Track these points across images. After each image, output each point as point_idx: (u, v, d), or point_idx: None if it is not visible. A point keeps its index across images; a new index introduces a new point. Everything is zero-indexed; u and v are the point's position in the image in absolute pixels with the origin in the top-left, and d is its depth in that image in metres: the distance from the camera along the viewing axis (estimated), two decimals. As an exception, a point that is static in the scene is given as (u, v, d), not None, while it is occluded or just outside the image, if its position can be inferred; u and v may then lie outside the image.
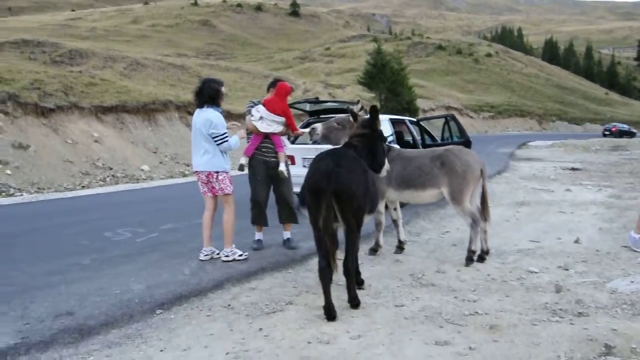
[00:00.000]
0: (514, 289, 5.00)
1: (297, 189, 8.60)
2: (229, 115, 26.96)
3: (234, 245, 6.22)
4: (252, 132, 6.59)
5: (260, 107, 6.52)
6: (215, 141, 5.96)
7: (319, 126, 5.86)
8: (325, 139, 5.85)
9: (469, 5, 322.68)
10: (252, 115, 6.49)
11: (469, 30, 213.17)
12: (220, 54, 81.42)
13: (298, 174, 7.81)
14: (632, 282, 4.92)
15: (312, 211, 4.27)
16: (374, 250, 6.47)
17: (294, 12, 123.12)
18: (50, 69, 23.38)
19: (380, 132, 5.32)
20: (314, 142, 6.17)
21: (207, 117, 5.92)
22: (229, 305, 4.66)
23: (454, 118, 10.97)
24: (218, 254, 6.27)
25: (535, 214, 9.18)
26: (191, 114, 24.33)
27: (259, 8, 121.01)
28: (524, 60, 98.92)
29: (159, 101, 23.07)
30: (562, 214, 9.12)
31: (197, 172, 6.15)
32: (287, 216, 6.78)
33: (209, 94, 5.98)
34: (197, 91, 6.05)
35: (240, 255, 6.17)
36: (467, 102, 65.28)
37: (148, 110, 22.17)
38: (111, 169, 16.87)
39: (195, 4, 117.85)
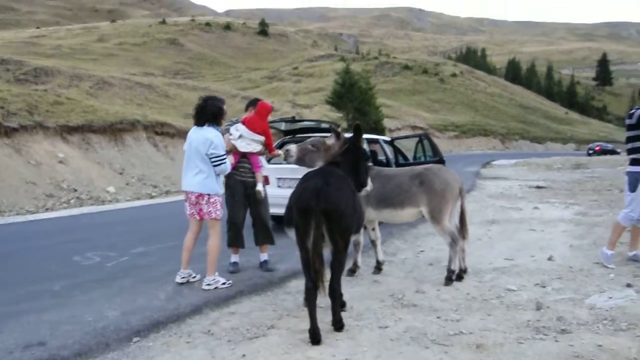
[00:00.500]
0: (495, 308, 5.01)
1: (271, 210, 8.55)
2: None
3: (217, 274, 5.98)
4: (230, 152, 6.50)
5: (240, 126, 6.48)
6: (214, 162, 5.74)
7: (293, 148, 5.84)
8: (299, 161, 5.84)
9: (434, 26, 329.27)
10: (230, 134, 6.43)
11: (435, 51, 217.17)
12: (187, 73, 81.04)
13: (272, 194, 7.78)
14: (610, 297, 4.99)
15: (300, 231, 4.20)
16: (352, 271, 6.43)
17: (263, 31, 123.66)
18: (14, 87, 22.84)
19: (364, 151, 5.32)
20: (288, 164, 6.15)
21: (207, 136, 5.71)
22: (209, 331, 4.54)
23: (427, 137, 11.07)
24: (194, 277, 6.11)
25: (507, 232, 9.29)
26: (159, 134, 24.25)
27: (227, 27, 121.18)
28: (488, 80, 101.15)
29: (126, 121, 22.71)
30: (532, 231, 9.24)
31: (187, 192, 5.91)
32: (264, 238, 6.69)
33: (212, 112, 5.78)
34: (198, 109, 5.83)
35: (224, 283, 5.88)
36: (432, 121, 66.21)
37: (115, 130, 21.77)
38: (76, 190, 16.45)
39: (163, 22, 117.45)
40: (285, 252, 7.49)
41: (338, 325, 4.40)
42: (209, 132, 5.75)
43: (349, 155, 5.04)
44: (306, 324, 4.56)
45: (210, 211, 5.83)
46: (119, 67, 66.90)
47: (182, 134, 25.07)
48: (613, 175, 21.15)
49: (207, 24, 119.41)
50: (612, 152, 52.29)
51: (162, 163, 22.07)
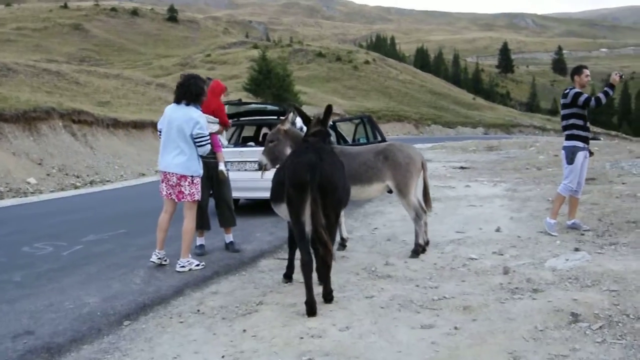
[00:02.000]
0: (465, 275, 5.31)
1: None
2: (117, 123, 25.84)
3: (190, 255, 5.88)
4: None
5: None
6: (198, 143, 5.63)
7: (261, 159, 5.81)
8: (273, 162, 5.81)
9: (343, 14, 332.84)
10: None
11: (344, 39, 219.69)
12: (94, 60, 77.44)
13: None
14: (567, 260, 5.42)
15: (295, 206, 4.26)
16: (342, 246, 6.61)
17: (172, 17, 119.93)
18: None
19: (327, 130, 5.44)
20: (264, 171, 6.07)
21: (192, 115, 5.60)
22: (198, 310, 4.53)
23: (370, 119, 11.33)
24: (166, 260, 5.98)
25: (449, 208, 9.74)
26: (76, 122, 23.12)
27: (134, 13, 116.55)
28: (399, 68, 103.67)
29: (40, 109, 21.41)
30: (473, 207, 9.75)
31: (166, 172, 5.70)
32: (227, 219, 6.68)
33: (195, 92, 5.67)
34: (181, 87, 5.70)
35: (197, 265, 5.82)
36: (349, 107, 67.15)
37: (29, 118, 20.48)
38: (-7, 182, 15.47)
39: (65, 6, 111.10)
40: (245, 232, 7.51)
41: (329, 296, 4.52)
42: (194, 112, 5.67)
43: (320, 134, 5.14)
44: (293, 299, 4.70)
45: (193, 192, 5.71)
46: (19, 54, 62.83)
47: (100, 122, 24.09)
48: (527, 156, 22.51)
49: (113, 8, 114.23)
50: (594, 138, 54.21)
51: (83, 152, 21.12)
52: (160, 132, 5.87)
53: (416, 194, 6.35)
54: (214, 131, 6.50)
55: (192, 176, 5.70)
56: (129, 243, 7.26)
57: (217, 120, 6.66)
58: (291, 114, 6.32)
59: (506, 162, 20.28)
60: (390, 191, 6.40)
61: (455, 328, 3.86)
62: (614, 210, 8.05)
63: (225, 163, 8.98)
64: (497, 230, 7.52)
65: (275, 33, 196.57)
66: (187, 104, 5.67)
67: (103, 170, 20.28)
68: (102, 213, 10.41)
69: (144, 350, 3.75)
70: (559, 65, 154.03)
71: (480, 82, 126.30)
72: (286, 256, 6.34)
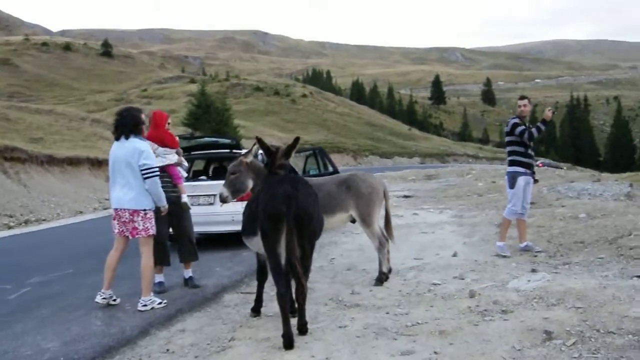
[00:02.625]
0: (432, 300, 5.36)
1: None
2: (51, 160, 24.93)
3: (152, 293, 5.66)
4: None
5: (150, 143, 6.28)
6: (145, 174, 5.48)
7: (223, 191, 5.63)
8: (235, 194, 5.72)
9: (279, 49, 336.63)
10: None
11: (281, 73, 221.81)
12: (24, 95, 74.82)
13: None
14: (529, 280, 5.57)
15: (270, 238, 4.20)
16: None
17: (106, 52, 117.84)
18: None
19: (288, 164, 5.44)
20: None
21: (136, 146, 5.47)
22: (168, 349, 4.35)
23: (322, 151, 11.42)
24: (115, 299, 5.74)
25: (402, 235, 9.83)
26: (8, 159, 22.16)
27: (67, 47, 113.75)
28: (336, 101, 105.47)
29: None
30: (425, 234, 9.91)
31: (117, 209, 5.54)
32: (189, 254, 6.51)
33: (132, 123, 5.54)
34: (117, 122, 5.59)
35: (160, 303, 5.60)
36: (288, 141, 67.17)
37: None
38: None
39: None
40: (203, 267, 7.34)
41: (304, 328, 4.45)
42: (137, 143, 5.54)
43: (284, 167, 5.14)
44: (265, 333, 4.61)
45: (147, 227, 5.55)
46: (-58, 91, 60.00)
47: (34, 159, 23.23)
48: (466, 183, 23.15)
49: (44, 43, 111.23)
50: (557, 167, 54.42)
51: (16, 191, 20.20)
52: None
53: (378, 222, 6.41)
54: (172, 162, 6.38)
55: (144, 210, 5.55)
56: (79, 283, 6.95)
57: (172, 150, 6.52)
58: (255, 147, 6.24)
59: (447, 190, 20.80)
60: (353, 221, 6.42)
61: (435, 353, 3.88)
62: (561, 231, 8.38)
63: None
64: (454, 255, 7.65)
65: (212, 68, 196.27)
66: (127, 137, 5.54)
67: (38, 208, 19.41)
68: (44, 253, 9.92)
69: (117, 395, 3.56)
70: (488, 96, 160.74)
71: (414, 113, 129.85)
72: (249, 290, 6.29)
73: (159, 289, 6.23)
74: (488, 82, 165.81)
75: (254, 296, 5.86)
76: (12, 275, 7.61)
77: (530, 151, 7.63)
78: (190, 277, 6.55)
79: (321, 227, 4.81)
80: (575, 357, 3.58)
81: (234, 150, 9.54)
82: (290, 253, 4.09)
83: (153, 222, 5.63)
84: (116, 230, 5.62)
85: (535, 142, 7.59)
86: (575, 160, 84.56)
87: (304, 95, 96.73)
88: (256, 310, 5.17)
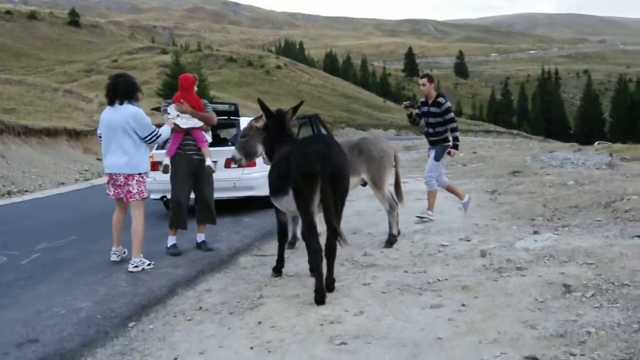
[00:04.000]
0: (445, 259, 5.57)
1: (155, 195, 8.46)
2: (28, 131, 24.45)
3: (142, 255, 5.80)
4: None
5: (176, 105, 6.34)
6: (148, 139, 5.69)
7: (235, 154, 5.84)
8: (247, 157, 5.87)
9: (250, 20, 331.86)
10: (169, 114, 6.25)
11: (252, 44, 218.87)
12: (-10, 66, 72.60)
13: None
14: (536, 241, 5.81)
15: (305, 196, 4.30)
16: (291, 244, 6.62)
17: (74, 21, 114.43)
18: None
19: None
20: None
21: (131, 112, 5.61)
22: (201, 307, 4.47)
23: (317, 118, 11.47)
24: (125, 252, 6.14)
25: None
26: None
27: (32, 16, 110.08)
28: (310, 72, 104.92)
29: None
30: (419, 200, 10.13)
31: (112, 174, 5.72)
32: (206, 217, 6.60)
33: (126, 89, 5.68)
34: (111, 87, 5.69)
35: (149, 264, 5.76)
36: (259, 112, 67.12)
37: None
38: None
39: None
40: (210, 233, 7.40)
41: (332, 285, 4.60)
42: (131, 109, 5.67)
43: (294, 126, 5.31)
44: (292, 291, 4.76)
45: (141, 190, 5.75)
46: None
47: (10, 130, 22.71)
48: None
49: (8, 12, 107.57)
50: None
51: (-6, 162, 19.83)
52: (100, 137, 5.89)
53: (388, 186, 6.57)
54: (197, 126, 6.45)
55: (139, 174, 5.73)
56: (88, 248, 6.98)
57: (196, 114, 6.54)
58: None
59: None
60: (364, 184, 6.57)
61: (463, 305, 4.07)
62: (554, 197, 8.66)
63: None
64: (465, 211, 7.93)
65: (181, 38, 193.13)
66: (121, 103, 5.67)
67: (19, 180, 19.07)
68: (40, 222, 9.86)
69: (163, 349, 3.67)
70: (460, 68, 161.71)
71: (388, 85, 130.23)
72: (262, 253, 6.43)
73: (174, 251, 6.31)
74: (461, 55, 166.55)
75: (268, 258, 6.05)
76: (16, 242, 7.59)
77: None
78: (204, 241, 6.64)
79: (349, 186, 4.95)
80: (596, 307, 3.81)
81: (232, 117, 9.55)
82: (329, 210, 4.21)
83: (145, 186, 5.81)
84: (111, 193, 5.82)
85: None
86: (547, 133, 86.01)
87: (278, 67, 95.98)
88: (278, 270, 5.30)
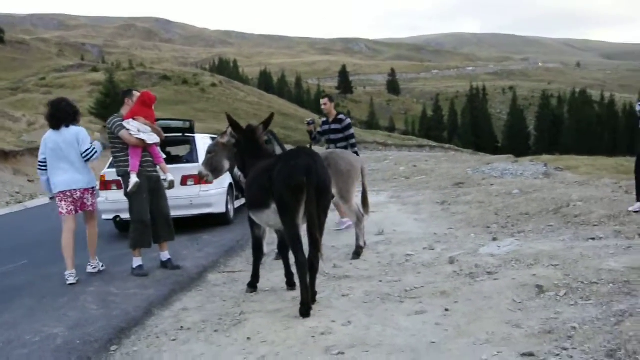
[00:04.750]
0: (416, 268, 5.69)
1: (108, 216, 8.30)
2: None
3: (97, 257, 6.47)
4: (125, 147, 6.23)
5: (133, 121, 6.21)
6: (87, 156, 6.10)
7: (202, 170, 5.93)
8: (215, 173, 5.92)
9: (183, 38, 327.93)
10: (129, 130, 6.11)
11: (185, 62, 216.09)
12: None
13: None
14: (499, 247, 6.04)
15: (292, 209, 4.31)
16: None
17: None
18: None
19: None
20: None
21: (76, 133, 6.08)
22: (182, 327, 4.36)
23: (273, 134, 11.47)
24: (102, 266, 6.54)
25: (353, 215, 10.18)
26: None
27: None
28: (246, 90, 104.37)
29: None
30: (374, 212, 10.20)
31: (68, 191, 6.06)
32: (167, 234, 6.47)
33: (73, 112, 6.18)
34: (56, 112, 6.06)
35: (102, 266, 6.50)
36: (201, 130, 66.14)
37: None
38: None
39: None
40: (170, 251, 7.24)
41: (314, 297, 4.61)
42: (77, 129, 6.15)
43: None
44: (273, 305, 4.76)
45: (94, 202, 6.40)
46: None
47: None
48: (388, 168, 23.94)
49: None
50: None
51: None
52: (41, 161, 6.21)
53: (355, 199, 6.67)
54: (153, 142, 6.34)
55: (93, 187, 6.35)
56: (44, 273, 6.65)
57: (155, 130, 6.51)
58: (229, 129, 6.33)
59: (373, 174, 21.37)
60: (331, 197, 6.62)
61: (446, 310, 4.18)
62: (505, 205, 9.01)
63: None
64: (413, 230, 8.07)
65: (112, 56, 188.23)
66: (67, 126, 6.07)
67: None
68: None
69: (154, 371, 3.58)
70: (392, 86, 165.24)
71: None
72: (229, 270, 6.37)
73: (140, 272, 6.14)
74: (393, 73, 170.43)
75: (237, 275, 6.01)
76: (-40, 269, 7.18)
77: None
78: (169, 259, 6.48)
79: (331, 198, 5.00)
80: (572, 305, 4.01)
81: (187, 134, 9.43)
82: (312, 223, 4.25)
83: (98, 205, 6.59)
84: (64, 211, 6.08)
85: None
86: (476, 146, 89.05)
87: (214, 85, 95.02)
88: (253, 286, 5.26)
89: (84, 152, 6.06)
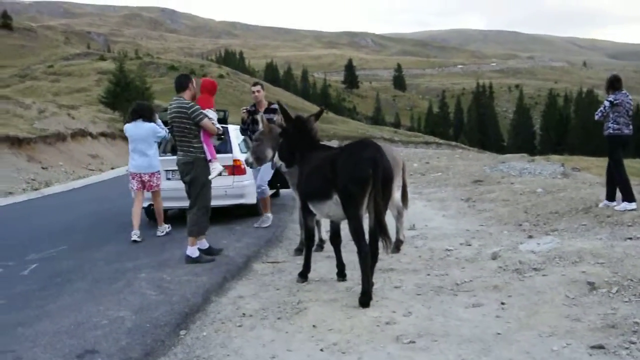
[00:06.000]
0: (459, 262, 5.82)
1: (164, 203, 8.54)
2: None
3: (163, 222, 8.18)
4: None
5: (210, 112, 6.49)
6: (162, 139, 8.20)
7: (248, 157, 6.51)
8: (259, 160, 6.27)
9: (189, 28, 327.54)
10: (211, 118, 6.41)
11: (191, 52, 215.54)
12: None
13: (163, 187, 8.33)
14: (539, 244, 6.16)
15: (358, 200, 4.43)
16: (299, 250, 6.74)
17: (6, 24, 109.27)
18: None
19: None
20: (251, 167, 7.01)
21: (151, 127, 7.94)
22: (244, 314, 4.50)
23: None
24: (169, 228, 8.25)
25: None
26: None
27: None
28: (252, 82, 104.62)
29: None
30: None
31: (138, 173, 7.85)
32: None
33: (149, 113, 8.11)
34: (137, 111, 8.04)
35: (169, 227, 8.28)
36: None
37: None
38: None
39: None
40: (211, 240, 7.37)
41: (371, 288, 4.73)
42: (151, 125, 7.99)
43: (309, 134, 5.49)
44: (328, 295, 4.88)
45: (159, 183, 8.12)
46: None
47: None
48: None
49: None
50: None
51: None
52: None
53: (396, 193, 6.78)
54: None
55: (158, 171, 8.06)
56: (87, 257, 6.83)
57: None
58: (278, 117, 6.49)
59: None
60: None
61: (502, 303, 4.32)
62: (533, 204, 9.12)
63: (167, 172, 8.82)
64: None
65: (117, 45, 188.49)
66: (143, 121, 7.95)
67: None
68: (15, 231, 9.45)
69: (229, 355, 3.70)
70: (398, 81, 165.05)
71: (328, 96, 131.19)
72: (272, 260, 6.50)
73: (207, 258, 6.31)
74: (399, 68, 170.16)
75: (283, 265, 6.15)
76: (4, 253, 7.33)
77: None
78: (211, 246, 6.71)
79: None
80: (626, 302, 4.14)
81: (221, 125, 9.53)
82: (380, 213, 4.38)
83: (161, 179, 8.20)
84: (134, 187, 7.93)
85: None
86: (482, 144, 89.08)
87: (221, 76, 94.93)
88: (304, 276, 5.39)
89: (161, 136, 8.02)
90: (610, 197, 7.98)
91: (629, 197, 7.62)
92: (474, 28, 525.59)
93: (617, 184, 7.84)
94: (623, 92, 7.99)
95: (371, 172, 4.36)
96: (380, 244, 4.59)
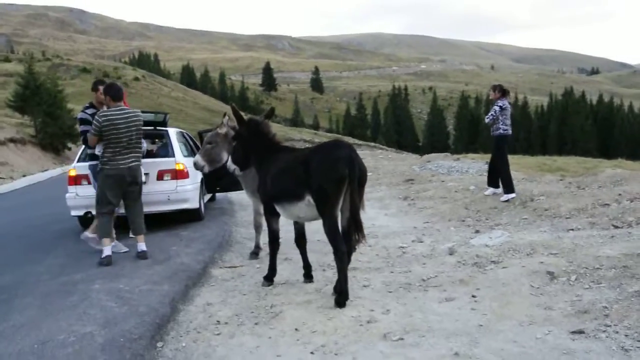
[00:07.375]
0: (417, 259, 5.95)
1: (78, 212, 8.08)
2: None
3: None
4: None
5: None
6: None
7: (198, 160, 6.32)
8: (212, 163, 6.16)
9: (99, 29, 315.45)
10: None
11: (102, 54, 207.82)
12: None
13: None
14: (490, 238, 6.40)
15: (334, 200, 4.40)
16: (255, 254, 6.64)
17: None
18: None
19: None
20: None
21: None
22: (218, 321, 4.36)
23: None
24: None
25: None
26: None
27: None
28: (170, 85, 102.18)
29: None
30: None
31: None
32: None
33: None
34: None
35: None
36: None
37: None
38: None
39: None
40: (161, 247, 7.13)
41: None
42: None
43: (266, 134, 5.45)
44: (302, 297, 4.84)
45: None
46: None
47: None
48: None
49: None
50: None
51: None
52: None
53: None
54: None
55: None
56: (26, 272, 6.36)
57: None
58: (226, 118, 6.42)
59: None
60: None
61: (473, 296, 4.46)
62: (471, 200, 9.48)
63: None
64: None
65: (21, 46, 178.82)
66: None
67: None
68: None
69: (215, 364, 3.61)
70: (316, 84, 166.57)
71: (246, 99, 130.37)
72: (230, 265, 6.38)
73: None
74: (316, 71, 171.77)
75: (240, 269, 6.06)
76: None
77: None
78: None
79: None
80: (587, 288, 4.38)
81: (158, 128, 9.24)
82: (357, 212, 4.40)
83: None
84: None
85: None
86: (398, 145, 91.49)
87: (136, 79, 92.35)
88: (270, 279, 5.32)
89: None
90: (495, 184, 9.46)
91: (509, 189, 8.97)
92: (388, 32, 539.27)
93: (500, 176, 9.16)
94: (507, 99, 9.21)
95: (347, 172, 4.37)
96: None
